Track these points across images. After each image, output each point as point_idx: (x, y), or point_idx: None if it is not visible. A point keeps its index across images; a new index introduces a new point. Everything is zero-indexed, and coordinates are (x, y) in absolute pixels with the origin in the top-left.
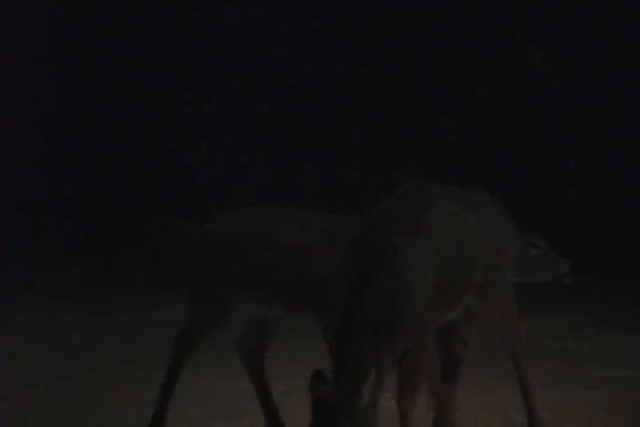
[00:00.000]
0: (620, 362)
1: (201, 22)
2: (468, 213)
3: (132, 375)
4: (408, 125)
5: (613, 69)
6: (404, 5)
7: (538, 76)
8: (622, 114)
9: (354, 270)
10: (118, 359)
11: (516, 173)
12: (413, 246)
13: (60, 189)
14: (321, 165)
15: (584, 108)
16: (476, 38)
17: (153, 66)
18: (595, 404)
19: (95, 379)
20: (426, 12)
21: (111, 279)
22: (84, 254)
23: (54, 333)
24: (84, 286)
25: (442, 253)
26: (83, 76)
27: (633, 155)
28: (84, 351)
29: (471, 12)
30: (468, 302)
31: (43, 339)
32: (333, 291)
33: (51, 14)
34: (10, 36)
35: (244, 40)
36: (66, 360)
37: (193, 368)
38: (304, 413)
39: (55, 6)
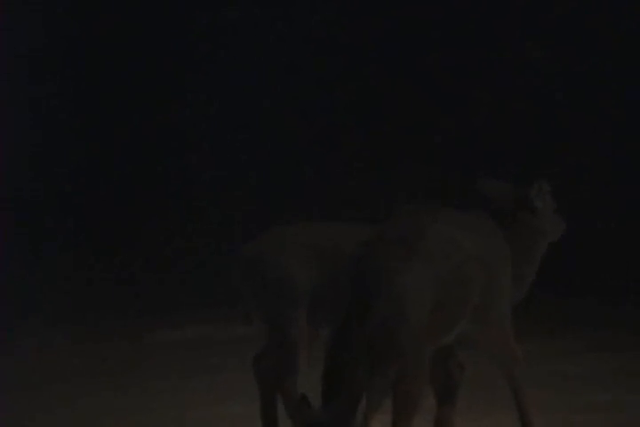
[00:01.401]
0: (617, 386)
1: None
2: (464, 236)
3: (130, 400)
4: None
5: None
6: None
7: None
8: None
9: (353, 291)
10: (117, 384)
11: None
12: (411, 270)
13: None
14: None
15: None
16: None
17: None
18: None
19: (94, 404)
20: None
21: (110, 300)
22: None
23: (53, 357)
24: (83, 308)
25: (439, 277)
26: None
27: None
28: (83, 376)
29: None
30: (464, 326)
31: (41, 363)
32: None
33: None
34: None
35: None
36: (65, 384)
37: (189, 394)
38: None
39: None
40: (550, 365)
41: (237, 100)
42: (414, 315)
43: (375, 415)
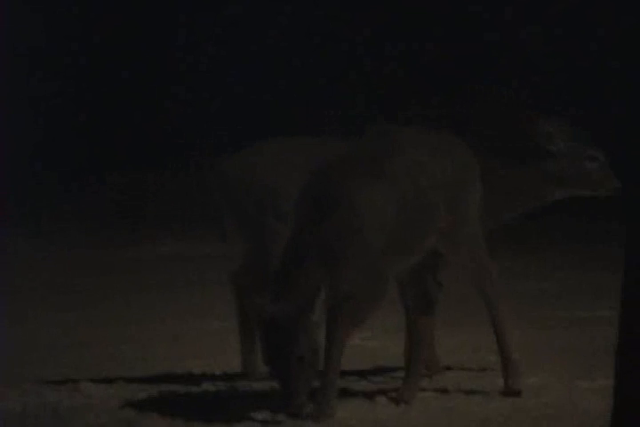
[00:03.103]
0: (593, 302)
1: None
2: (430, 157)
3: (108, 314)
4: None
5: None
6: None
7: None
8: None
9: (310, 202)
10: (96, 297)
11: None
12: (372, 188)
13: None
14: None
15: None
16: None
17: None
18: (568, 344)
19: (75, 316)
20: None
21: (101, 214)
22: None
23: (43, 268)
24: (74, 223)
25: (400, 198)
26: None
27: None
28: (72, 287)
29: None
30: (431, 246)
31: (32, 274)
32: None
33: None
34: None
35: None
36: (54, 296)
37: (166, 308)
38: None
39: None
40: (527, 281)
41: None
42: (370, 231)
43: None
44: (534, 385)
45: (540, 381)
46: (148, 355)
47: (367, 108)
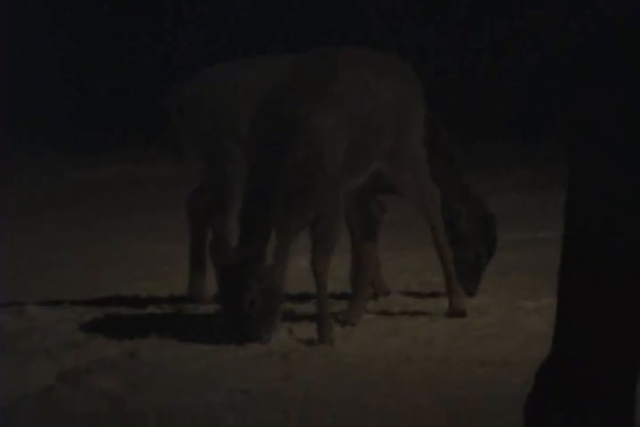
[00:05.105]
0: (535, 224)
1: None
2: (375, 79)
3: (62, 235)
4: None
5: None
6: None
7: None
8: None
9: (264, 139)
10: (52, 219)
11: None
12: (323, 113)
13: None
14: None
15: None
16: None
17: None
18: (509, 265)
19: (29, 239)
20: None
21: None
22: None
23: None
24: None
25: (350, 120)
26: None
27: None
28: (20, 211)
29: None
30: (376, 168)
31: None
32: None
33: None
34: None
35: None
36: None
37: (114, 230)
38: None
39: None
40: None
41: None
42: (329, 158)
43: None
44: (478, 306)
45: (485, 301)
46: (94, 277)
47: None
